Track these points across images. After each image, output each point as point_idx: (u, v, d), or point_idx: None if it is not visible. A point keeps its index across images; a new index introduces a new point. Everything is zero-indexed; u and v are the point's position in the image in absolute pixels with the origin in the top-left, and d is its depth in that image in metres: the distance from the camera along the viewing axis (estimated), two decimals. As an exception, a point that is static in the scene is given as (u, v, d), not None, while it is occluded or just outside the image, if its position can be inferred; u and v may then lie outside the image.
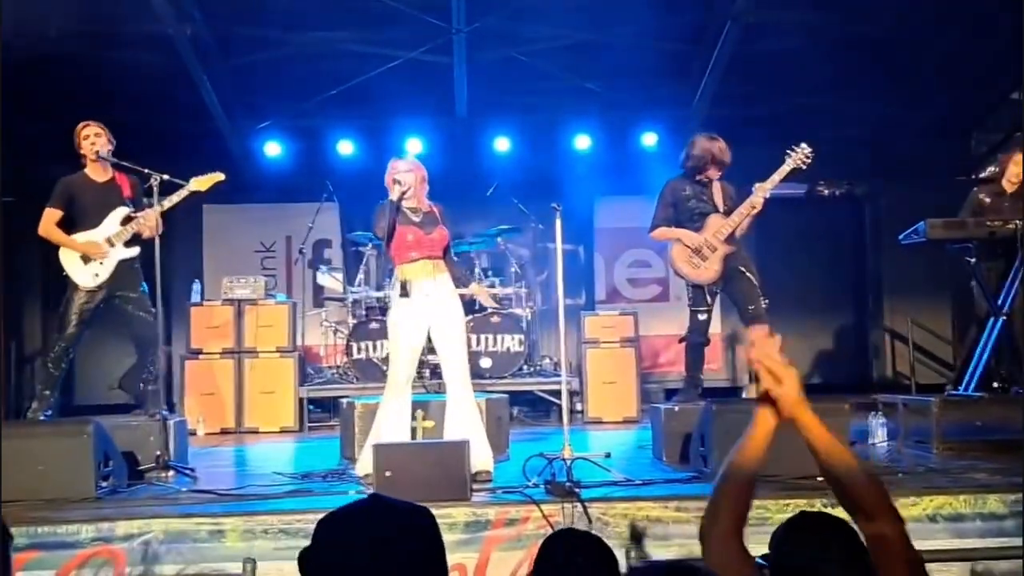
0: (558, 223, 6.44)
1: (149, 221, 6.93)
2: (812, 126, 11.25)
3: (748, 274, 7.15)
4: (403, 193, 6.09)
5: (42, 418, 6.86)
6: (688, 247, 7.16)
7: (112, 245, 7.03)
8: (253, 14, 9.73)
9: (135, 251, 7.11)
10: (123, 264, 7.07)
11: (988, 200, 7.83)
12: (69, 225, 7.06)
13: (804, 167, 7.08)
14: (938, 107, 11.30)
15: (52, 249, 7.08)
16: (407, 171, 6.21)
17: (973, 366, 7.43)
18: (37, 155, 11.41)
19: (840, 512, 2.60)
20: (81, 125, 7.09)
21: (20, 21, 8.65)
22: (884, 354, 12.72)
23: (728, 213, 7.15)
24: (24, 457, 5.61)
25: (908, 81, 10.96)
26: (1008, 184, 7.86)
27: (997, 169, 7.94)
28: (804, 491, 4.94)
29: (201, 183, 7.11)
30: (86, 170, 7.12)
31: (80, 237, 7.03)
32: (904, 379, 11.86)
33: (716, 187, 7.27)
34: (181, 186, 6.99)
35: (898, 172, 12.05)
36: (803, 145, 7.05)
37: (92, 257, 7.01)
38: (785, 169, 7.05)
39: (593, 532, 4.71)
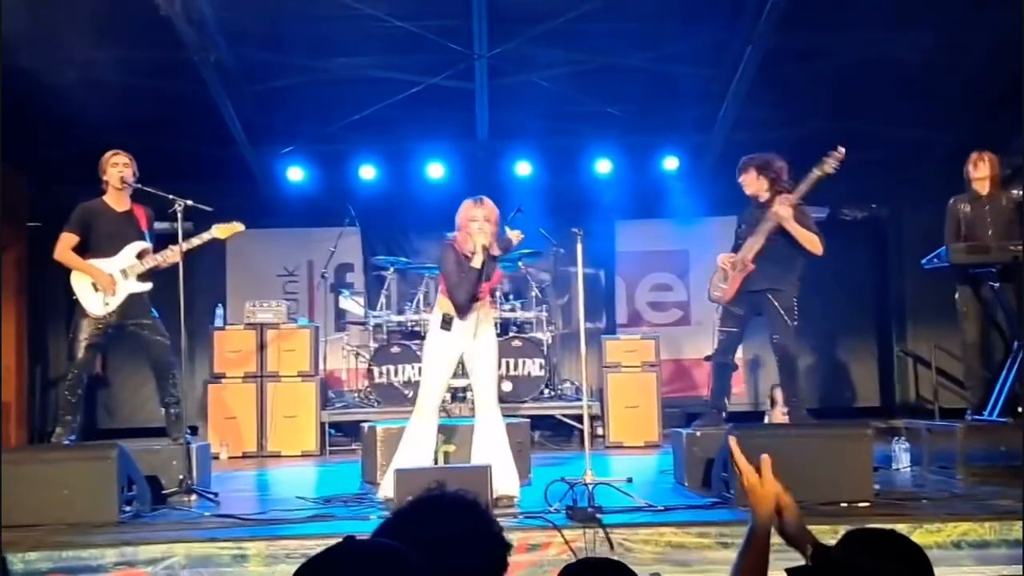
0: (579, 247, 6.43)
1: (168, 259, 7.00)
2: (833, 149, 11.27)
3: (774, 301, 6.99)
4: (486, 249, 5.98)
5: (66, 443, 6.86)
6: (723, 268, 7.18)
7: (125, 277, 7.01)
8: (276, 40, 9.81)
9: (147, 286, 7.10)
10: (133, 295, 7.05)
11: (968, 208, 7.68)
12: (84, 250, 7.03)
13: (833, 171, 6.92)
14: (962, 130, 11.24)
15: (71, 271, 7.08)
16: (485, 220, 6.03)
17: (997, 391, 7.38)
18: (63, 180, 11.54)
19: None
20: (111, 152, 7.11)
21: (46, 47, 8.76)
22: (907, 378, 12.62)
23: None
24: (48, 481, 5.67)
25: (932, 104, 10.91)
26: (978, 185, 7.69)
27: (964, 178, 7.80)
28: (829, 517, 4.91)
29: (223, 231, 7.22)
30: (105, 197, 7.11)
31: (95, 263, 7.01)
32: (927, 403, 11.77)
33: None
34: (204, 211, 7.02)
35: (921, 196, 11.99)
36: (838, 147, 6.91)
37: (103, 288, 6.99)
38: (813, 176, 6.93)
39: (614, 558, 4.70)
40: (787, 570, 2.47)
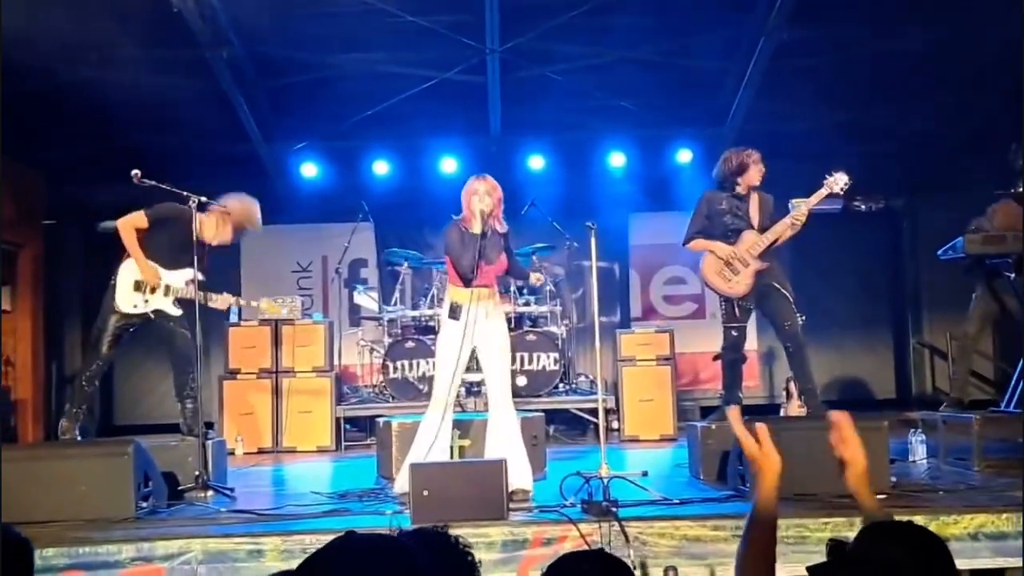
0: (593, 241, 6.43)
1: (217, 303, 7.00)
2: (847, 141, 11.24)
3: (783, 290, 7.10)
4: (485, 219, 6.04)
5: (68, 438, 6.85)
6: (720, 259, 7.15)
7: (165, 295, 6.91)
8: (289, 37, 9.82)
9: (179, 312, 6.97)
10: (160, 311, 6.97)
11: (1001, 213, 7.68)
12: (144, 245, 6.90)
13: (841, 193, 7.03)
14: (975, 119, 11.19)
15: (93, 269, 7.02)
16: (487, 193, 6.09)
17: (1014, 383, 7.35)
18: (76, 178, 11.60)
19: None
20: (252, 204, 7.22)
21: (60, 46, 8.79)
22: (923, 370, 12.60)
23: (764, 229, 7.12)
24: (65, 478, 5.69)
25: (945, 94, 10.87)
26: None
27: (985, 220, 7.76)
28: (845, 509, 4.89)
29: (221, 302, 7.08)
30: (199, 214, 6.83)
31: (149, 262, 6.89)
32: (943, 395, 11.71)
33: (754, 200, 7.23)
34: (219, 206, 7.04)
35: (935, 186, 11.95)
36: (840, 174, 6.99)
37: (144, 288, 6.89)
38: (822, 193, 7.01)
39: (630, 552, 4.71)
40: (808, 568, 2.45)
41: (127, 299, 6.92)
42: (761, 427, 2.71)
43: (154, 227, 6.90)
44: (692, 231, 7.37)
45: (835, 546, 2.48)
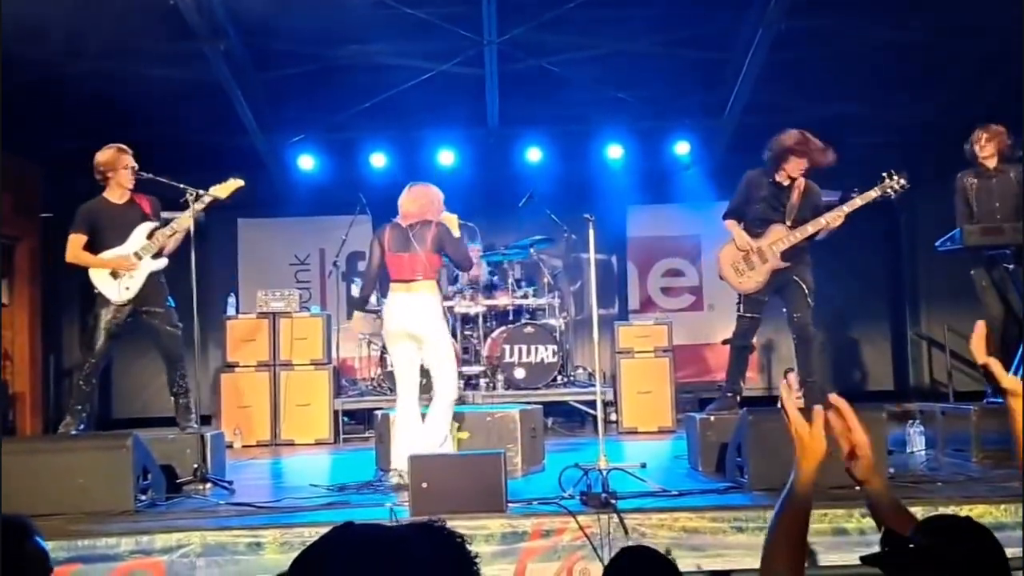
0: (591, 234, 6.43)
1: (178, 230, 7.05)
2: (846, 133, 11.21)
3: (802, 284, 7.05)
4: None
5: (74, 432, 6.90)
6: (740, 250, 7.10)
7: (139, 258, 7.07)
8: (286, 28, 9.79)
9: (163, 263, 7.15)
10: (152, 277, 7.11)
11: (975, 182, 7.62)
12: (94, 248, 7.11)
13: (892, 195, 7.00)
14: (975, 111, 11.16)
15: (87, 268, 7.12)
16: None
17: (1012, 372, 7.33)
18: (75, 171, 11.55)
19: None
20: (116, 150, 7.14)
21: (57, 39, 8.77)
22: (921, 361, 12.61)
23: (801, 222, 7.05)
24: (64, 471, 5.69)
25: (944, 86, 10.86)
26: (986, 161, 7.62)
27: (968, 149, 7.74)
28: (843, 500, 4.89)
29: (222, 190, 7.16)
30: (105, 194, 7.20)
31: (108, 255, 7.08)
32: (941, 386, 11.75)
33: (797, 190, 7.09)
34: (215, 200, 7.05)
35: (934, 178, 11.93)
36: (899, 176, 6.96)
37: (122, 272, 7.05)
38: (872, 195, 6.96)
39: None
40: (861, 557, 2.41)
41: (113, 290, 7.05)
42: (819, 409, 2.63)
43: (90, 232, 7.11)
44: (732, 208, 7.29)
45: (891, 538, 2.39)
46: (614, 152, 12.02)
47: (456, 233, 6.62)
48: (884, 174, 7.01)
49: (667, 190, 12.31)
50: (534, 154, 11.97)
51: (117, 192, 7.18)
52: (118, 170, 7.10)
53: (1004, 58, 10.00)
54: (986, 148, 7.59)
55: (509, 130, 11.76)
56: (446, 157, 11.82)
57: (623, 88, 10.89)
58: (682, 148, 11.96)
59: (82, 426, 7.03)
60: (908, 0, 9.25)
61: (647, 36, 10.17)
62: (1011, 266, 7.38)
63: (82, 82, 9.70)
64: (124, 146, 7.17)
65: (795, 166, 7.03)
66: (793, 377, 8.00)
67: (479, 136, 11.83)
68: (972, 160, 7.68)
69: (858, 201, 6.97)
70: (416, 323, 6.49)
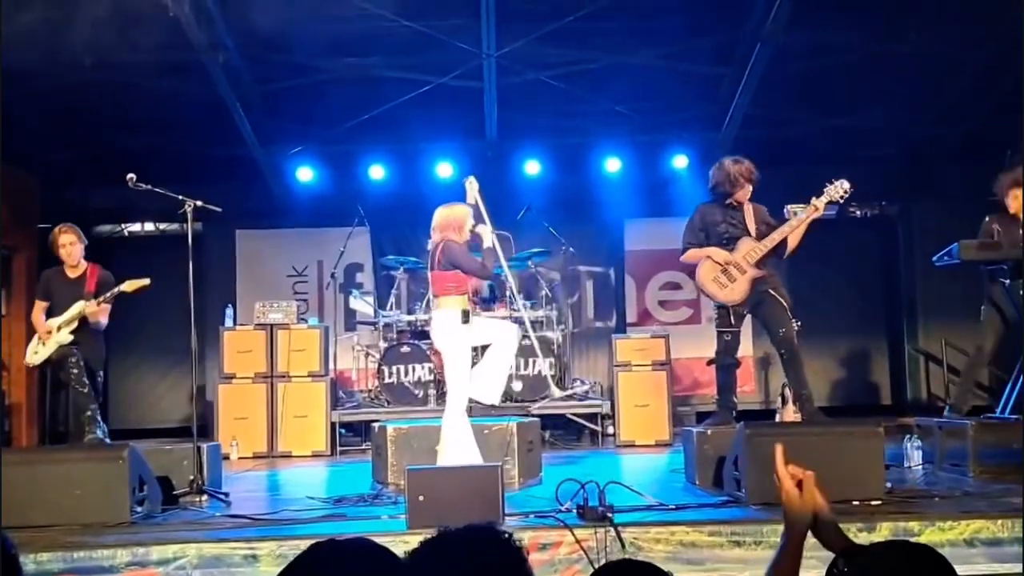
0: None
1: (90, 309, 7.66)
2: (844, 146, 11.26)
3: (778, 297, 7.09)
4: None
5: (100, 436, 7.55)
6: (717, 263, 7.13)
7: (58, 331, 7.69)
8: (285, 41, 9.81)
9: (70, 338, 7.69)
10: (61, 348, 7.70)
11: (999, 228, 7.63)
12: (50, 312, 7.83)
13: (840, 201, 7.04)
14: (972, 125, 11.21)
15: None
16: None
17: (1009, 389, 7.34)
18: (74, 181, 11.59)
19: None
20: (57, 231, 7.82)
21: (56, 49, 8.78)
22: (918, 375, 12.60)
23: (760, 237, 7.11)
24: (60, 482, 5.68)
25: (941, 100, 10.89)
26: (1013, 207, 7.55)
27: (996, 192, 7.72)
28: (841, 515, 4.85)
29: (130, 285, 7.69)
30: (64, 265, 7.85)
31: (48, 322, 7.79)
32: (939, 400, 11.74)
33: (748, 210, 7.21)
34: (214, 212, 7.07)
35: (931, 192, 11.98)
36: (841, 181, 6.99)
37: (38, 340, 7.82)
38: (822, 201, 7.01)
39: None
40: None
41: (29, 350, 7.94)
42: (809, 475, 2.63)
43: (46, 299, 7.88)
44: (686, 245, 7.36)
45: (849, 552, 2.46)
46: (612, 165, 12.02)
47: (488, 244, 6.69)
48: (827, 182, 7.04)
49: (665, 203, 12.30)
50: (532, 167, 11.97)
51: (71, 266, 7.84)
52: (57, 250, 7.80)
53: (1005, 72, 10.04)
54: (1017, 201, 7.54)
55: (508, 143, 11.76)
56: (444, 169, 11.82)
57: (621, 101, 10.91)
58: (680, 162, 11.97)
59: (100, 431, 7.61)
60: (904, 17, 9.27)
61: (646, 50, 10.19)
62: (1007, 281, 7.38)
63: (81, 93, 9.71)
64: (68, 227, 7.86)
65: (744, 193, 7.18)
66: (789, 392, 8.00)
67: (478, 149, 11.83)
68: (1001, 206, 7.65)
69: (810, 209, 6.99)
70: (435, 338, 6.73)
